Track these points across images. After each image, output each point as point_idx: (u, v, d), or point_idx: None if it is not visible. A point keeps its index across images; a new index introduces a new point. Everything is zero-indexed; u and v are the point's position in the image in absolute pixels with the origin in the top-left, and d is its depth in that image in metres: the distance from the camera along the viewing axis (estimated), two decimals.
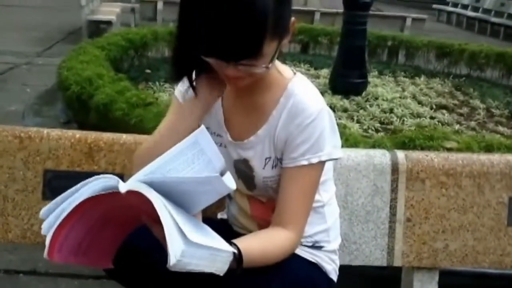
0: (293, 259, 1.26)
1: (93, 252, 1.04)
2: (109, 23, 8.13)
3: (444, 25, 15.47)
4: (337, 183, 1.60)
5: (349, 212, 1.63)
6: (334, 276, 1.38)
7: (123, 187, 0.92)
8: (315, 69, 5.97)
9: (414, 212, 1.64)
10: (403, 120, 4.21)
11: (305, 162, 1.21)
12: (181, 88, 1.29)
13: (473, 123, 4.47)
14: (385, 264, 1.64)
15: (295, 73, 1.28)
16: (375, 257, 1.64)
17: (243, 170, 1.31)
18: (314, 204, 1.31)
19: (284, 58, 5.72)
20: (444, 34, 10.75)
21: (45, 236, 0.97)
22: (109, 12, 8.57)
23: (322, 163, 1.23)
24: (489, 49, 6.50)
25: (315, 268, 1.33)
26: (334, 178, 1.54)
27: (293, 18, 1.17)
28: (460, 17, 15.57)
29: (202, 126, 1.08)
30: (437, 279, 1.68)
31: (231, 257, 1.02)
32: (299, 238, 1.25)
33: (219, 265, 0.98)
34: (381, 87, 5.24)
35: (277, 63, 1.27)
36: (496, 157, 1.69)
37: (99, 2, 9.35)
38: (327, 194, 1.37)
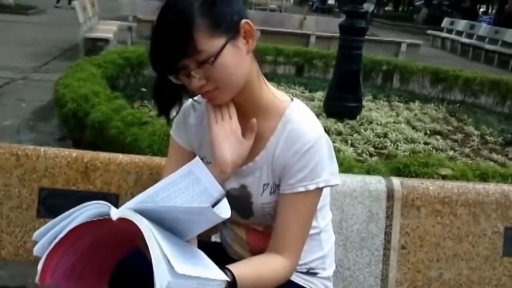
0: (287, 285, 1.26)
1: (88, 275, 1.03)
2: (106, 41, 8.17)
3: (439, 51, 15.66)
4: (333, 209, 1.60)
5: (344, 238, 1.62)
6: None
7: (115, 214, 0.92)
8: (310, 91, 6.01)
9: (409, 240, 1.63)
10: (397, 145, 4.23)
11: (302, 189, 1.21)
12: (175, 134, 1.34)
13: (467, 150, 4.50)
14: None
15: (292, 99, 1.29)
16: (369, 284, 1.63)
17: (239, 198, 1.30)
18: (311, 231, 1.31)
19: (279, 80, 5.76)
20: (438, 59, 10.88)
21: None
22: (107, 30, 8.62)
23: (319, 190, 1.24)
24: (483, 76, 6.59)
25: None
26: (329, 204, 1.55)
27: (245, 20, 1.19)
28: (455, 43, 15.76)
29: (197, 158, 1.08)
30: None
31: (222, 286, 1.02)
32: (295, 265, 1.24)
33: None
34: (376, 111, 5.28)
35: (273, 88, 1.28)
36: (491, 187, 1.70)
37: (96, 20, 9.41)
38: (324, 220, 1.37)
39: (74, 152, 1.62)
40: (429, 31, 17.47)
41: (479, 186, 1.69)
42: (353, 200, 1.63)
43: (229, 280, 1.05)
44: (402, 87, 6.94)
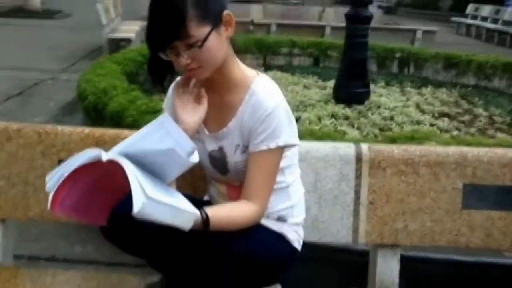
0: (260, 228, 1.52)
1: (90, 211, 1.31)
2: (128, 40, 8.54)
3: (463, 38, 15.56)
4: (308, 172, 1.84)
5: (319, 196, 1.86)
6: (297, 245, 1.62)
7: (104, 157, 1.20)
8: (323, 80, 6.20)
9: (376, 196, 1.86)
10: (402, 127, 4.40)
11: (265, 147, 1.47)
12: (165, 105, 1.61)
13: (472, 130, 4.63)
14: (350, 242, 1.86)
15: (258, 74, 1.55)
16: (342, 235, 1.87)
17: (218, 158, 1.57)
18: (280, 185, 1.57)
19: (294, 71, 5.99)
20: (461, 46, 10.85)
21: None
22: (129, 30, 8.99)
23: (280, 149, 1.49)
24: (495, 59, 6.66)
25: (280, 237, 1.57)
26: (305, 167, 1.80)
27: (227, 11, 1.45)
28: (480, 29, 15.64)
29: (166, 113, 1.36)
30: (398, 256, 1.89)
31: (193, 217, 1.28)
32: (262, 211, 1.50)
33: (180, 222, 1.24)
34: (386, 96, 5.44)
35: (244, 67, 1.55)
36: (451, 149, 1.91)
37: (119, 21, 9.79)
38: (292, 176, 1.62)
39: (86, 129, 1.91)
40: (453, 18, 17.36)
41: (440, 149, 1.91)
42: (326, 164, 1.87)
43: (202, 216, 1.32)
44: (416, 73, 7.06)
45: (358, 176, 1.86)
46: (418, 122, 4.61)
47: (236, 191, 1.58)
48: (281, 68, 6.73)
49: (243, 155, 1.52)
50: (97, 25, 8.78)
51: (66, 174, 1.21)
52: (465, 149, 1.92)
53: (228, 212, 1.45)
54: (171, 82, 1.57)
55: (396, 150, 1.89)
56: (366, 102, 4.98)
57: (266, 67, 6.69)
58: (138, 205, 1.14)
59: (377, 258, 1.89)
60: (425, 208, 1.87)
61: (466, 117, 5.03)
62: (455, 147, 1.94)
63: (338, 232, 1.87)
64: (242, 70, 1.55)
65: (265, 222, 1.55)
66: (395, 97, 5.51)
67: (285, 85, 5.71)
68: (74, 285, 1.84)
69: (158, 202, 1.18)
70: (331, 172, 1.87)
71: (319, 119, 4.43)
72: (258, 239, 1.49)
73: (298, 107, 4.74)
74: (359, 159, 1.87)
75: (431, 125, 4.61)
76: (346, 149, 1.88)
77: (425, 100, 5.56)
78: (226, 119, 1.53)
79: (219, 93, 1.54)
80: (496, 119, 5.03)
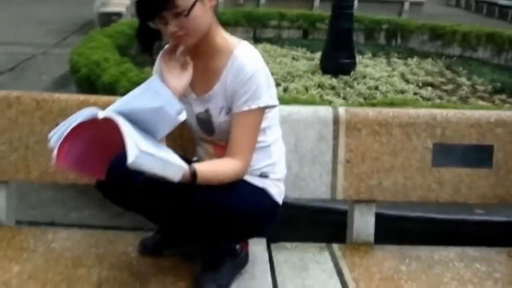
0: (243, 183, 1.67)
1: (91, 166, 1.46)
2: (119, 14, 8.54)
3: (453, 9, 15.65)
4: (289, 133, 1.99)
5: (299, 156, 2.01)
6: (279, 198, 1.77)
7: (100, 114, 1.34)
8: (311, 52, 6.30)
9: (352, 155, 2.01)
10: (386, 96, 4.54)
11: (246, 108, 1.61)
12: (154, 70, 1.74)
13: (454, 98, 4.78)
14: (329, 198, 2.02)
15: (240, 41, 1.68)
16: (321, 191, 2.02)
17: (204, 120, 1.71)
18: (262, 144, 1.71)
19: (283, 43, 6.09)
20: (449, 18, 10.92)
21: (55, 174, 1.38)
22: (119, 4, 8.98)
23: (261, 109, 1.63)
24: (480, 30, 6.79)
25: (262, 191, 1.72)
26: (287, 129, 1.95)
27: None
28: (469, 0, 15.71)
29: (155, 75, 1.49)
30: (374, 210, 2.05)
31: (181, 170, 1.42)
32: (245, 167, 1.65)
33: (170, 173, 1.38)
34: (372, 67, 5.57)
35: (225, 34, 1.67)
36: (422, 111, 2.06)
37: None
38: (273, 136, 1.76)
39: (82, 96, 2.05)
40: None
41: (411, 111, 2.06)
42: (306, 126, 2.01)
43: (191, 170, 1.47)
44: (402, 45, 7.18)
45: (336, 137, 2.01)
46: (402, 91, 4.75)
47: (222, 150, 1.72)
48: (270, 41, 6.82)
49: (227, 116, 1.66)
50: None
51: (67, 131, 1.35)
52: (434, 110, 2.07)
53: (214, 167, 1.60)
54: (159, 50, 1.70)
55: (370, 112, 2.03)
56: (352, 73, 5.10)
57: (256, 40, 6.77)
58: (132, 157, 1.28)
59: (354, 213, 2.05)
60: (398, 166, 2.02)
61: (450, 86, 5.18)
62: (425, 109, 2.09)
63: (317, 189, 2.02)
64: (225, 37, 1.68)
65: (248, 178, 1.70)
66: (381, 68, 5.64)
67: (274, 57, 5.82)
68: (74, 241, 1.99)
69: (149, 154, 1.32)
70: (310, 133, 2.01)
71: (306, 89, 4.56)
72: (242, 192, 1.64)
73: (286, 78, 4.86)
74: (336, 121, 2.01)
75: (415, 94, 4.74)
76: (325, 112, 2.03)
77: (410, 70, 5.69)
78: (211, 83, 1.67)
79: (204, 60, 1.67)
80: (478, 87, 5.18)
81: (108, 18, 8.71)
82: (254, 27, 7.20)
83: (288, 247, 2.04)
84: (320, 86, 4.68)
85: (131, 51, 5.33)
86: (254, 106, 1.61)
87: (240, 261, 1.82)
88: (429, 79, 5.36)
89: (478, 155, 2.00)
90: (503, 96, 4.87)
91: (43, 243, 1.96)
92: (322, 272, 1.87)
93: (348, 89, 4.68)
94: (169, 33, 1.58)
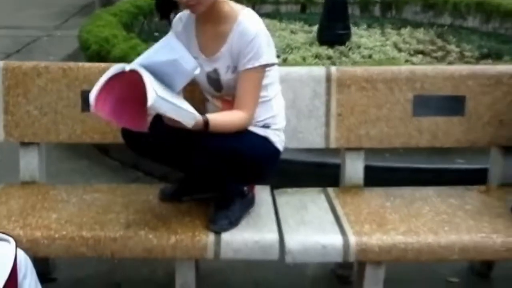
0: (248, 132, 1.95)
1: (126, 117, 1.72)
2: None
3: None
4: (288, 91, 2.25)
5: (297, 111, 2.29)
6: (280, 146, 2.06)
7: (127, 67, 1.64)
8: (309, 26, 6.51)
9: (343, 109, 2.29)
10: (380, 64, 4.80)
11: (250, 66, 1.89)
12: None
13: (443, 64, 5.04)
14: (323, 146, 2.30)
15: (243, 8, 1.95)
16: (316, 141, 2.31)
17: (213, 78, 1.99)
18: (264, 99, 1.99)
19: (281, 18, 6.32)
20: None
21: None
22: None
23: (262, 67, 1.91)
24: None
25: (265, 139, 2.00)
26: (286, 87, 2.21)
27: None
28: None
29: (171, 33, 1.77)
30: (363, 157, 2.33)
31: (193, 117, 1.70)
32: (250, 118, 1.93)
33: (183, 118, 1.65)
34: (366, 37, 5.81)
35: (231, 2, 1.95)
36: (403, 67, 2.35)
37: None
38: (273, 92, 2.04)
39: (102, 65, 2.33)
40: None
41: (394, 68, 2.34)
42: (302, 84, 2.29)
43: (204, 118, 1.76)
44: (397, 16, 7.40)
45: (328, 93, 2.28)
46: (394, 59, 5.00)
47: (229, 104, 2.00)
48: (269, 16, 7.03)
49: (233, 74, 1.94)
50: None
51: (101, 83, 1.64)
52: (414, 67, 2.36)
53: (223, 117, 1.88)
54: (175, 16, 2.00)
55: (358, 70, 2.31)
56: (347, 43, 5.33)
57: None
58: (151, 100, 1.56)
59: (345, 160, 2.33)
60: (383, 117, 2.30)
61: (439, 54, 5.41)
62: (406, 66, 2.36)
63: (313, 139, 2.30)
64: (231, 5, 1.96)
65: (252, 128, 1.98)
66: (375, 38, 5.87)
67: (273, 31, 6.03)
68: (102, 193, 2.27)
69: (165, 100, 1.61)
70: (306, 90, 2.29)
71: (304, 59, 4.81)
72: (248, 139, 1.92)
73: (285, 50, 5.11)
74: (328, 79, 2.29)
75: (406, 61, 4.98)
76: (318, 71, 2.30)
77: (403, 39, 5.91)
78: (219, 46, 1.95)
79: (212, 25, 1.95)
80: (466, 53, 5.41)
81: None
82: (253, 3, 7.39)
83: (289, 192, 2.33)
84: (317, 56, 4.94)
85: (135, 29, 5.58)
86: (257, 63, 1.89)
87: (248, 201, 2.10)
88: (421, 47, 5.59)
89: (452, 105, 2.28)
90: (489, 61, 5.12)
91: (75, 195, 2.24)
92: (319, 210, 2.16)
93: (343, 58, 4.92)
94: (183, 2, 1.84)
